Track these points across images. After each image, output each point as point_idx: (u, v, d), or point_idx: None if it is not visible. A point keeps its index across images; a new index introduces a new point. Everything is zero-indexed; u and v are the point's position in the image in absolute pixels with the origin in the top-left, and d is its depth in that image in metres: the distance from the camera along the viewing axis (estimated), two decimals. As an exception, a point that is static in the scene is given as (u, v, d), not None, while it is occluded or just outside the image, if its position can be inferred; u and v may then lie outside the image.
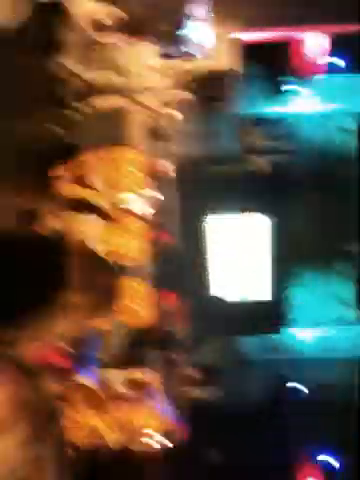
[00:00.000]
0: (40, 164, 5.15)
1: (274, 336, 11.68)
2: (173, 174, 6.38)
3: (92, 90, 5.52)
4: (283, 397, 10.76)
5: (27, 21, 4.33)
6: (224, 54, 6.54)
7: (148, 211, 6.10)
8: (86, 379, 4.17)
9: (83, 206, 5.52)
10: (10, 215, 4.78)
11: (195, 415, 7.48)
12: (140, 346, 6.46)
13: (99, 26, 3.86)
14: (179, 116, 6.49)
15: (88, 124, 5.59)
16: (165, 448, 6.05)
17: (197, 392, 7.59)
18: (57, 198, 5.32)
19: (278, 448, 8.92)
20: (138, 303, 5.90)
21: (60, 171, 5.29)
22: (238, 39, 6.62)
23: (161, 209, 6.49)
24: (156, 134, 6.80)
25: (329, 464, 8.82)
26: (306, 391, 11.13)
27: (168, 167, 6.17)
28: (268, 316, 9.69)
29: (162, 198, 6.13)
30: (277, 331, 10.69)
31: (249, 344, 11.95)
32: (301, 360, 11.67)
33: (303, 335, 12.11)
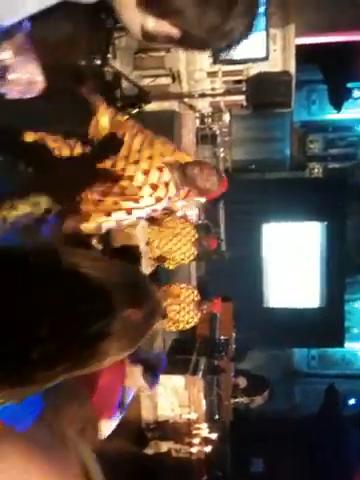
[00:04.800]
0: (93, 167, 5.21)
1: (333, 350, 11.32)
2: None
3: (144, 94, 5.53)
4: (338, 413, 10.45)
5: (79, 24, 4.38)
6: (281, 58, 6.41)
7: (197, 216, 6.04)
8: None
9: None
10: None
11: (240, 424, 7.36)
12: (185, 352, 6.40)
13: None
14: (232, 121, 6.39)
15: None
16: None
17: (243, 401, 7.44)
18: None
19: (331, 464, 8.63)
20: (184, 308, 5.84)
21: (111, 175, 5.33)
22: (295, 44, 6.46)
23: (209, 214, 6.42)
24: (208, 139, 6.75)
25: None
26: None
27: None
28: (325, 328, 9.26)
29: (210, 203, 6.05)
30: (337, 344, 10.28)
31: (304, 356, 11.66)
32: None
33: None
